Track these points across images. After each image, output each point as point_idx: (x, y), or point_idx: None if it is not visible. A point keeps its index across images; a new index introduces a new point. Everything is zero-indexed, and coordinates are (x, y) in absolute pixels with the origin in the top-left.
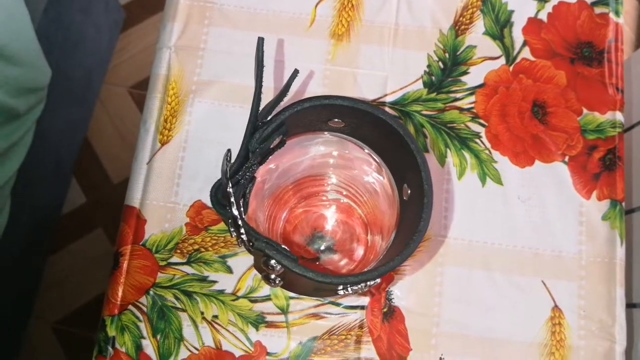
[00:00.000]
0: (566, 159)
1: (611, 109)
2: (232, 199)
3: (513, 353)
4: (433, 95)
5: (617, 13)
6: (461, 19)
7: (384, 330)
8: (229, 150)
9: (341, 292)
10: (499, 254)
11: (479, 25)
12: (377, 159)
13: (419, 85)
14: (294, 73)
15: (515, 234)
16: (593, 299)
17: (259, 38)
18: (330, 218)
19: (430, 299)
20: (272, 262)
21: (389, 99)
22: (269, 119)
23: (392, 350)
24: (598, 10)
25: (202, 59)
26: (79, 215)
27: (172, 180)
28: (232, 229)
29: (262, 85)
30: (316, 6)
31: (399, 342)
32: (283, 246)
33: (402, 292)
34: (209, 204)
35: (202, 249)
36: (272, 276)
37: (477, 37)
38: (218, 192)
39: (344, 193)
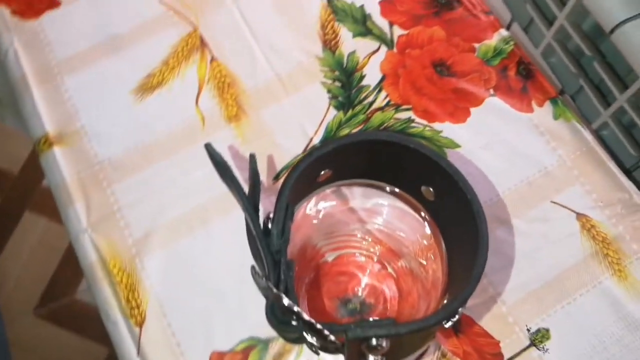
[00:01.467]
0: (491, 91)
1: (493, 31)
2: (296, 308)
3: (579, 277)
4: (350, 112)
5: None
6: (326, 37)
7: (465, 343)
8: (253, 267)
9: (447, 326)
10: (496, 208)
11: (345, 33)
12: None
13: (333, 112)
14: (251, 158)
15: (499, 181)
16: (599, 188)
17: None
18: (363, 278)
19: (479, 289)
20: (374, 342)
21: (316, 139)
22: (272, 215)
23: (485, 355)
24: None
25: (124, 219)
26: None
27: (174, 354)
28: (312, 342)
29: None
30: (197, 104)
31: (485, 343)
32: (376, 318)
33: None
34: (225, 348)
35: None
36: (372, 358)
37: (350, 43)
38: (276, 313)
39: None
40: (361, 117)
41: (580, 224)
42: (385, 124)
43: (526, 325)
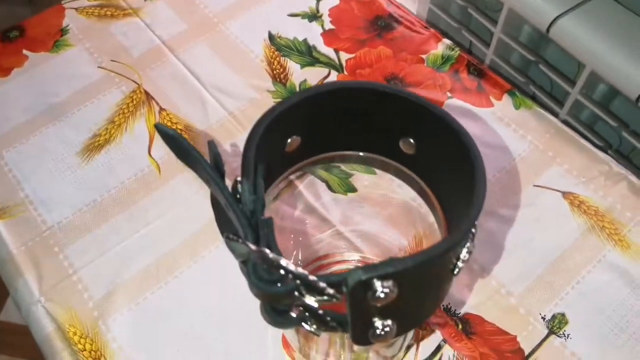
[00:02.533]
0: (448, 94)
1: (437, 41)
2: (284, 261)
3: (581, 255)
4: None
5: None
6: (275, 72)
7: (480, 344)
8: (226, 235)
9: (461, 263)
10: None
11: (293, 65)
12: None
13: None
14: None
15: None
16: (577, 164)
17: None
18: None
19: (481, 284)
20: (379, 287)
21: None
22: (240, 179)
23: (504, 354)
24: None
25: (82, 282)
26: None
27: None
28: (311, 319)
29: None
30: (149, 155)
31: (502, 340)
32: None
33: (454, 301)
34: None
35: None
36: (381, 326)
37: (299, 73)
38: (258, 272)
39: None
40: None
41: (569, 202)
42: None
43: (540, 314)
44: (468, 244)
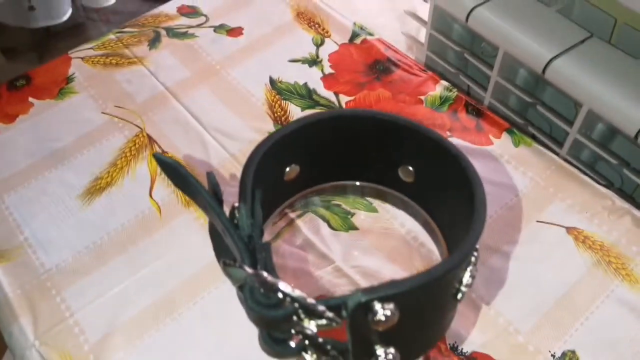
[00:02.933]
0: (448, 133)
1: (435, 83)
2: (281, 284)
3: (589, 290)
4: None
5: (369, 34)
6: (276, 115)
7: None
8: (223, 261)
9: (464, 287)
10: (484, 237)
11: (294, 108)
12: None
13: None
14: (209, 175)
15: None
16: (580, 199)
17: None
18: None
19: (488, 322)
20: (380, 311)
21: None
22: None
23: None
24: (358, 40)
25: (78, 325)
26: None
27: None
28: (311, 351)
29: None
30: (151, 196)
31: None
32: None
33: (460, 339)
34: None
35: None
36: (383, 354)
37: (300, 115)
38: (256, 297)
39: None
40: None
41: (573, 237)
42: None
43: (549, 351)
44: (470, 268)
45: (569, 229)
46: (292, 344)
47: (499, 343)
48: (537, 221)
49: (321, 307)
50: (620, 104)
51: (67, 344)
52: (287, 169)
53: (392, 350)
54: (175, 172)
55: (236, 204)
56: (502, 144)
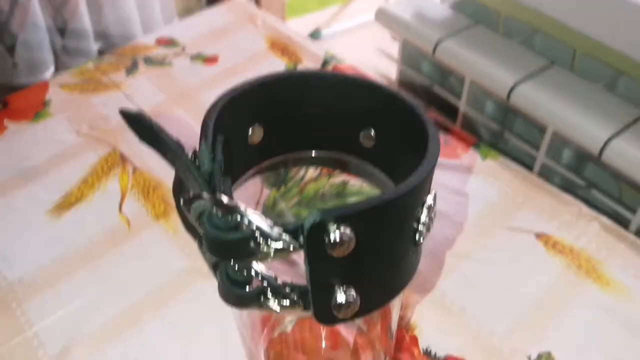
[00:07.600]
0: None
1: None
2: (240, 203)
3: (561, 293)
4: (283, 188)
5: (340, 61)
6: None
7: None
8: (183, 200)
9: (422, 226)
10: (456, 244)
11: None
12: None
13: (266, 191)
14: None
15: (451, 220)
16: (548, 207)
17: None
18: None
19: (462, 325)
20: (335, 233)
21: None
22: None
23: None
24: (330, 66)
25: (37, 338)
26: None
27: None
28: (271, 293)
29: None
30: (120, 211)
31: None
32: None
33: (434, 343)
34: None
35: None
36: (343, 294)
37: None
38: (213, 221)
39: None
40: (294, 190)
41: (543, 243)
42: (320, 191)
43: (525, 353)
44: (427, 210)
45: (538, 235)
46: (251, 288)
47: (473, 346)
48: (508, 228)
49: (277, 229)
50: (583, 124)
51: (25, 357)
52: (251, 130)
53: (352, 291)
54: (140, 121)
55: (197, 147)
56: (469, 158)
